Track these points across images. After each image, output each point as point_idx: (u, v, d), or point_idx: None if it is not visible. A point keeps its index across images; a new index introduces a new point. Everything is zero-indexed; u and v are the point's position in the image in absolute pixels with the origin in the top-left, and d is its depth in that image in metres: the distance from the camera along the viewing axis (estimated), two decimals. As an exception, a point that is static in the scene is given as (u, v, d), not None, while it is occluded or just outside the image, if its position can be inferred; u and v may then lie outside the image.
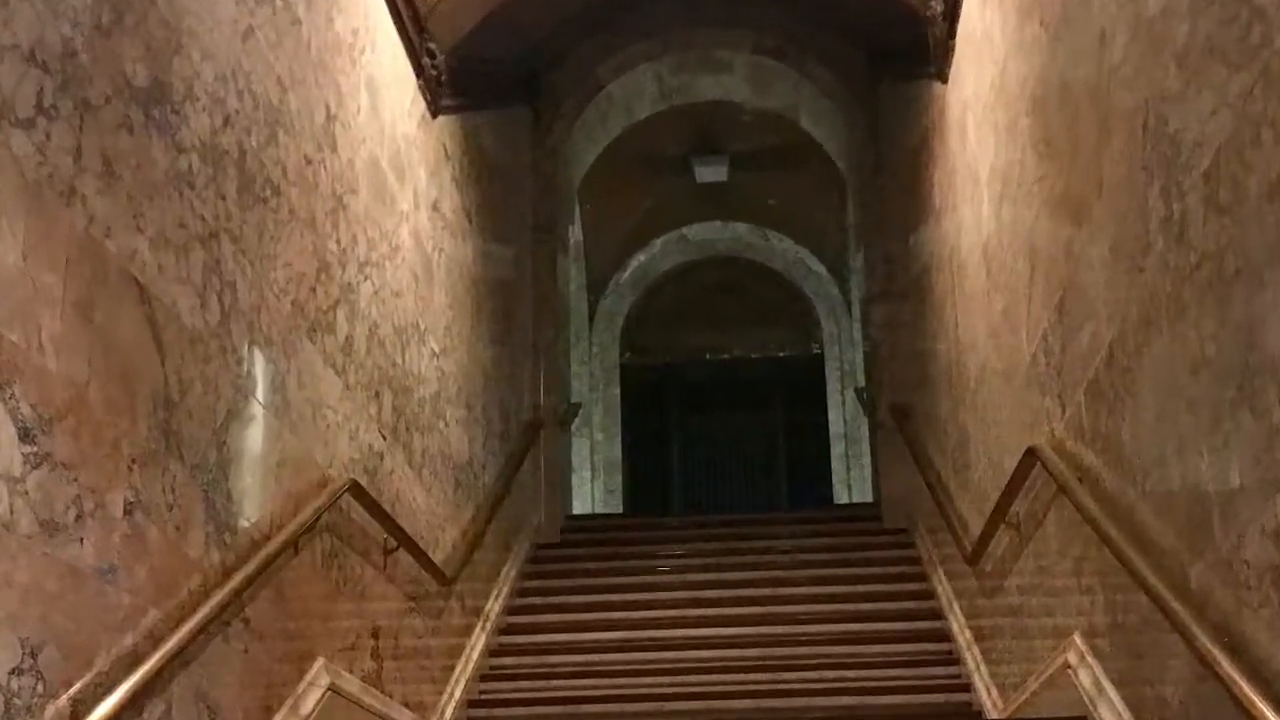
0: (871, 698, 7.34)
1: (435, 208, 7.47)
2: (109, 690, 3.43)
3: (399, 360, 6.53)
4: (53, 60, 3.40)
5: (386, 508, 6.02)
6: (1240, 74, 3.07)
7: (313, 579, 5.14)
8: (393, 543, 6.11)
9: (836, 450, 15.56)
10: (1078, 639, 4.81)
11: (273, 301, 4.79)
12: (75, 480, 3.38)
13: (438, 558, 7.00)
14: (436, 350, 7.30)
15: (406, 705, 6.35)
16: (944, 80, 7.43)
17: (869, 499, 12.37)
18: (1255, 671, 3.07)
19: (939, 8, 7.24)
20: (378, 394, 6.13)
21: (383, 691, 5.95)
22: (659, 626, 8.42)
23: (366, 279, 6.02)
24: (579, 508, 14.19)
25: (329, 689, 5.12)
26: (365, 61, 6.21)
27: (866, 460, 13.43)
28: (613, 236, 15.62)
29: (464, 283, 8.10)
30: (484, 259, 8.73)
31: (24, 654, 3.15)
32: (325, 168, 5.49)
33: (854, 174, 11.15)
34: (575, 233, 13.58)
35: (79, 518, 3.39)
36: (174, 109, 4.07)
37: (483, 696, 7.73)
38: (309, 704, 4.94)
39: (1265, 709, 2.96)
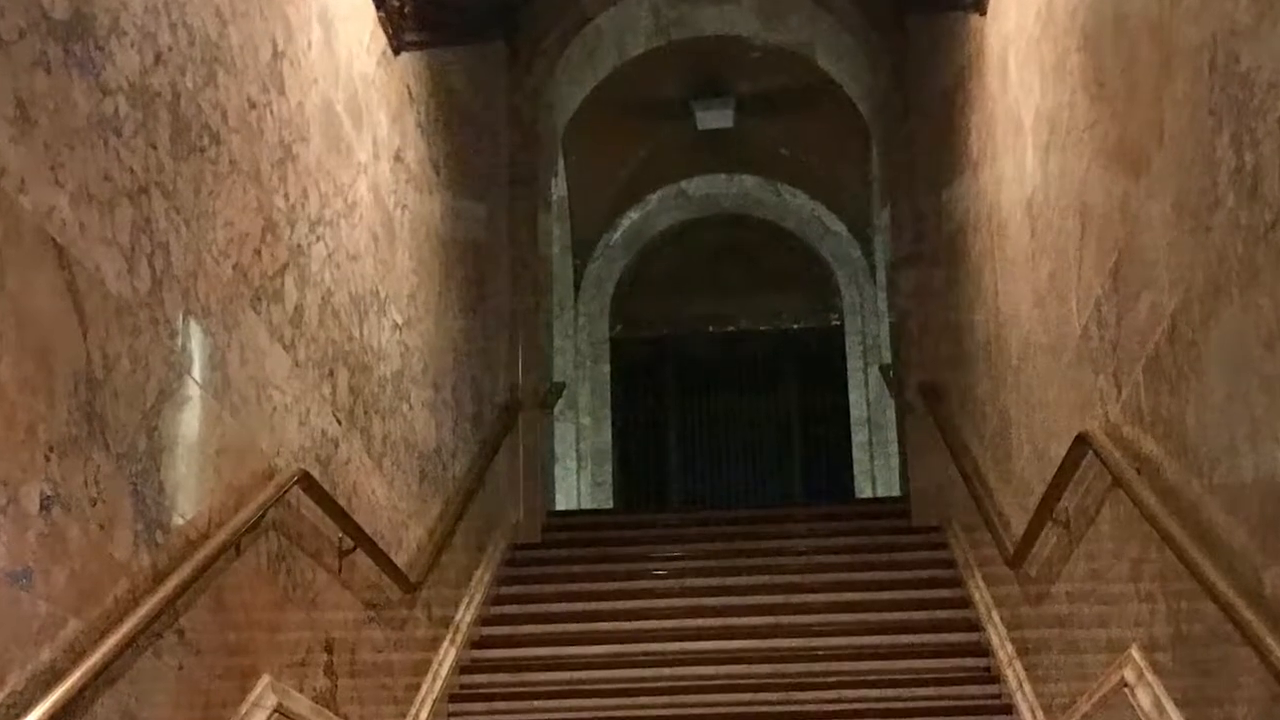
0: (898, 720, 7.37)
1: (398, 158, 7.46)
2: (24, 711, 3.42)
3: (356, 333, 6.53)
4: (-43, -13, 3.38)
5: (342, 503, 6.02)
6: (1323, 4, 3.07)
7: (257, 584, 5.15)
8: (349, 543, 6.12)
9: (858, 437, 15.59)
10: (1135, 653, 4.83)
11: (211, 266, 4.78)
12: (-16, 471, 3.38)
13: (400, 560, 7.01)
14: (399, 322, 7.30)
15: (365, 729, 6.37)
16: (982, 11, 7.42)
17: (896, 492, 12.40)
18: (1338, 690, 3.08)
19: (977, -72, 7.24)
20: (332, 372, 6.13)
21: (337, 713, 5.96)
22: (655, 639, 8.44)
23: (319, 240, 6.02)
24: (563, 503, 14.21)
25: (276, 710, 5.13)
26: (317, -11, 6.19)
27: (893, 448, 13.44)
28: (602, 191, 15.61)
29: (431, 244, 8.10)
30: (454, 217, 8.72)
31: (-74, 670, 3.16)
32: (271, 112, 5.48)
33: (879, 119, 11.14)
34: (559, 187, 13.55)
35: (-11, 514, 3.38)
36: (98, 45, 4.06)
37: None
38: (254, 727, 4.96)
39: (1349, 732, 2.97)
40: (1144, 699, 4.70)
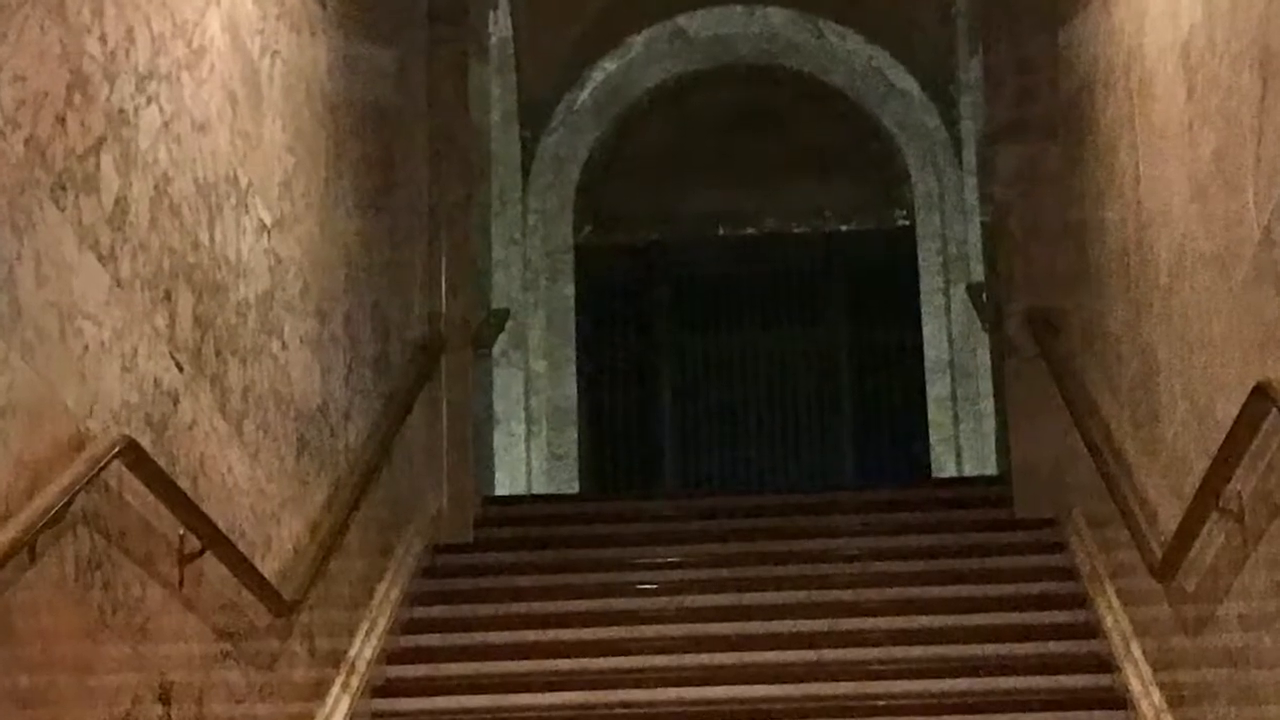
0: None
1: (264, -18, 7.45)
2: None
3: (205, 238, 6.53)
4: None
5: (184, 484, 6.03)
6: None
7: (60, 604, 5.16)
8: (195, 543, 6.12)
9: (936, 389, 15.61)
10: (1338, 703, 4.87)
11: (-8, 139, 4.78)
12: None
13: (270, 568, 7.03)
14: (268, 222, 7.30)
15: (220, 814, 6.41)
16: None
17: (991, 470, 12.45)
18: None
19: None
20: (169, 295, 6.13)
21: (180, 791, 6.00)
22: (639, 683, 8.47)
23: (150, 102, 6.01)
24: (506, 485, 14.24)
25: (90, 786, 5.16)
26: None
27: (987, 406, 13.50)
28: (563, 32, 15.60)
29: (314, 109, 8.09)
30: (347, 70, 8.70)
31: None
32: (79, -87, 5.47)
33: (968, -74, 11.17)
34: (500, 25, 13.54)
35: None
36: None
37: (346, 800, 7.81)
38: (57, 811, 4.98)
39: None
40: (1351, 769, 4.75)
